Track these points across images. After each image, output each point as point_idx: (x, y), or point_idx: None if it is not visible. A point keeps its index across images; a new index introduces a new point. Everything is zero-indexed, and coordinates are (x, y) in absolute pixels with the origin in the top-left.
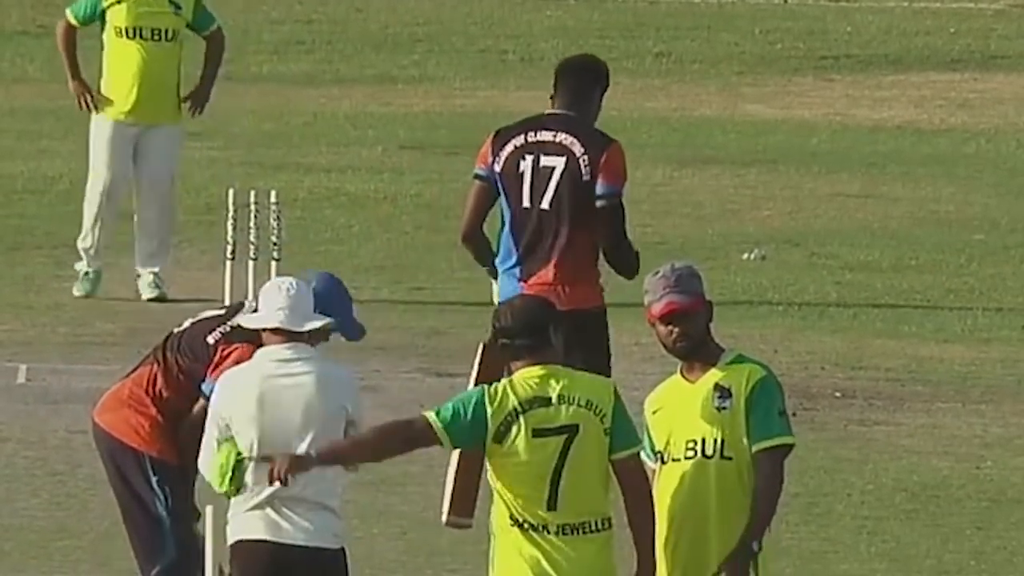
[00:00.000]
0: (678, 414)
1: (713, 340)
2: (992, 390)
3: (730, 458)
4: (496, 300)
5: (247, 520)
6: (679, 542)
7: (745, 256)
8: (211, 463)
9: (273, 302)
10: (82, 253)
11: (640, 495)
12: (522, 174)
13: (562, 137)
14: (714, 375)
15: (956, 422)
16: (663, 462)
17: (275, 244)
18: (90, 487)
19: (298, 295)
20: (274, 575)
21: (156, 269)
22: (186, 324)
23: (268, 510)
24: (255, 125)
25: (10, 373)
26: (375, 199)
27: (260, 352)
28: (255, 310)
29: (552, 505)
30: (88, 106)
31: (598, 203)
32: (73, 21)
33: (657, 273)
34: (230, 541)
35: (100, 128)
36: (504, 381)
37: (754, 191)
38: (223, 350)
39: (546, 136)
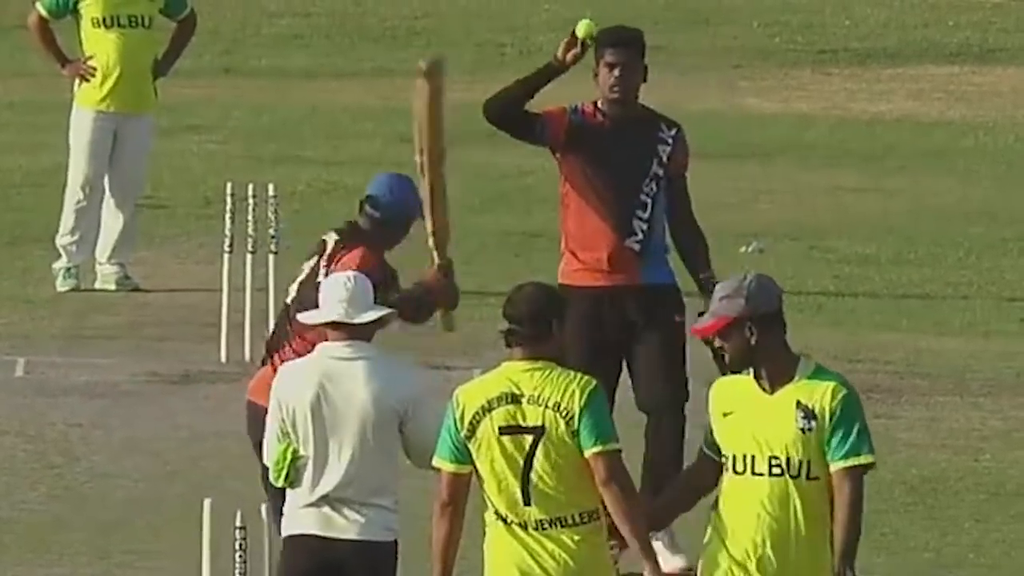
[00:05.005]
0: (757, 426)
1: (785, 349)
2: (991, 383)
3: (817, 478)
4: None
5: (298, 516)
6: (763, 558)
7: (743, 249)
8: (271, 456)
9: (333, 295)
10: (62, 250)
11: (611, 493)
12: None
13: None
14: (794, 391)
15: (954, 415)
16: (736, 472)
17: (273, 237)
18: (88, 480)
19: (356, 287)
20: (321, 569)
21: (123, 261)
22: (292, 291)
23: (321, 507)
24: (253, 118)
25: (8, 366)
26: None
27: (320, 348)
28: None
29: (527, 501)
30: (89, 78)
31: None
32: (43, 12)
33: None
34: (283, 536)
35: (81, 119)
36: (481, 376)
37: (752, 184)
38: (339, 257)
39: None
